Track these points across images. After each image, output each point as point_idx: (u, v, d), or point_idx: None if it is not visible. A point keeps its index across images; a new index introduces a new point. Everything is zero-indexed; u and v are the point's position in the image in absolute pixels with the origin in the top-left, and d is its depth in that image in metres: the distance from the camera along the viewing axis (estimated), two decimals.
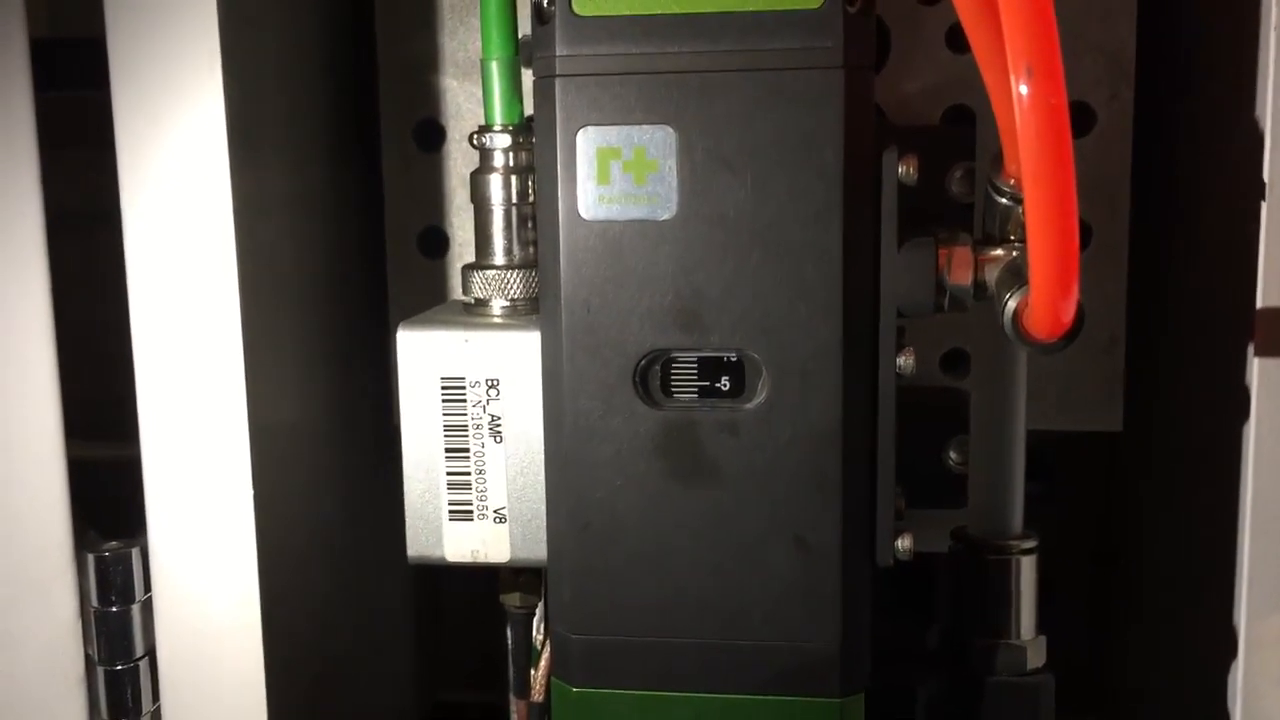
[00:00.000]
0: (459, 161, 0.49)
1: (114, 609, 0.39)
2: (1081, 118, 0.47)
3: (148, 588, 0.39)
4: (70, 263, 0.39)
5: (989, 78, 0.31)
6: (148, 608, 0.39)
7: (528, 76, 0.37)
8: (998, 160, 0.35)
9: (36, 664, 0.39)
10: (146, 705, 0.40)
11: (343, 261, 0.47)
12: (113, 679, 0.39)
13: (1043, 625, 0.42)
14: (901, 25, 0.47)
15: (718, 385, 0.36)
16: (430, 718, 0.60)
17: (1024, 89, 0.27)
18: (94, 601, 0.39)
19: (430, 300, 0.50)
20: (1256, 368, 0.35)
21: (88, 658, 0.40)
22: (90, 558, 0.39)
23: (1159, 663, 0.49)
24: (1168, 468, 0.48)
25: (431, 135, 0.49)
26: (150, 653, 0.40)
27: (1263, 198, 0.34)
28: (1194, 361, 0.44)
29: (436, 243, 0.50)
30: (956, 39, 0.47)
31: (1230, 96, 0.38)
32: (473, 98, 0.48)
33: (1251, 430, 0.35)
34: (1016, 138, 0.28)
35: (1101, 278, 0.47)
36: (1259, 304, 0.35)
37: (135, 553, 0.39)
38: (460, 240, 0.50)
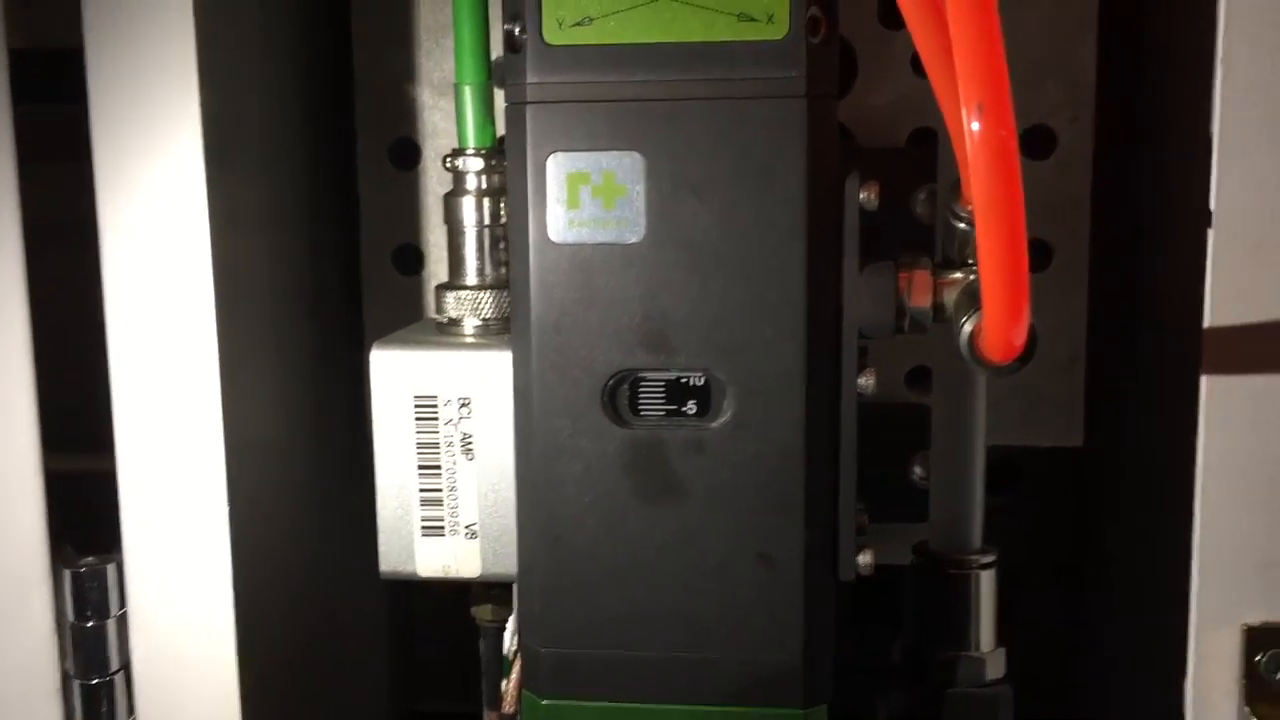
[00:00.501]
0: (434, 180, 0.50)
1: (89, 624, 0.39)
2: (1043, 141, 0.48)
3: (123, 603, 0.40)
4: (47, 275, 0.39)
5: (946, 109, 0.32)
6: (123, 622, 0.40)
7: (501, 96, 0.38)
8: (956, 186, 0.36)
9: (12, 678, 0.40)
10: (122, 719, 0.40)
11: (318, 277, 0.48)
12: (88, 693, 0.40)
13: (1006, 637, 0.43)
14: (867, 48, 0.48)
15: (684, 405, 0.36)
16: None
17: (975, 125, 0.28)
18: (70, 616, 0.40)
19: (405, 316, 0.50)
20: (1205, 385, 0.36)
21: (63, 672, 0.40)
22: (66, 573, 0.39)
23: (1120, 674, 0.50)
24: (1126, 482, 0.49)
25: (407, 153, 0.50)
26: (125, 667, 0.40)
27: (1208, 225, 0.35)
28: (1151, 378, 0.45)
29: (411, 260, 0.51)
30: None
31: (1184, 122, 0.39)
32: (448, 116, 0.49)
33: (1200, 447, 0.36)
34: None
35: (1063, 296, 0.48)
36: (1206, 323, 0.36)
37: (111, 568, 0.40)
38: (435, 257, 0.50)
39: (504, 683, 0.43)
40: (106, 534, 0.40)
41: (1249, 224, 0.35)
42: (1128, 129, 0.47)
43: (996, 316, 0.31)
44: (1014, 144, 0.28)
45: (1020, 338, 0.31)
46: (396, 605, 0.58)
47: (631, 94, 0.35)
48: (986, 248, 0.29)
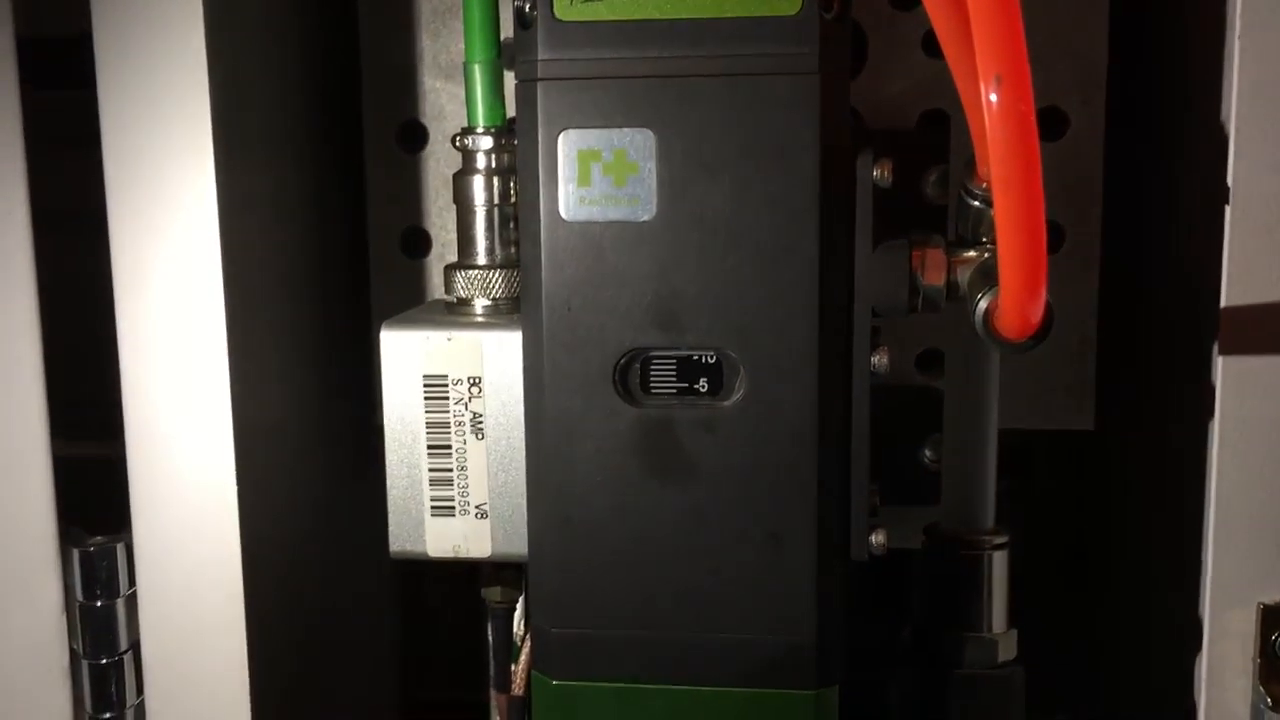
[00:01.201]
0: (441, 162, 0.50)
1: (98, 603, 0.39)
2: (1055, 122, 0.47)
3: (132, 582, 0.39)
4: (56, 261, 0.39)
5: (961, 84, 0.32)
6: (132, 602, 0.39)
7: (510, 78, 0.38)
8: (970, 164, 0.36)
9: (21, 658, 0.40)
10: (130, 699, 0.40)
11: (326, 261, 0.48)
12: (97, 673, 0.40)
13: (1016, 621, 0.43)
14: (878, 30, 0.48)
15: (696, 384, 0.36)
16: (413, 713, 0.60)
17: (994, 97, 0.28)
18: (79, 596, 0.40)
19: (412, 299, 0.50)
20: (1220, 366, 0.36)
21: (72, 652, 0.40)
22: (75, 553, 0.39)
23: (1130, 657, 0.50)
24: (1138, 466, 0.49)
25: (414, 136, 0.50)
26: (134, 647, 0.40)
27: (1226, 201, 0.35)
28: (1164, 361, 0.45)
29: (419, 242, 0.50)
30: (932, 44, 0.47)
31: (1198, 102, 0.39)
32: (455, 99, 0.49)
33: (1216, 427, 0.36)
34: (987, 142, 0.29)
35: (1074, 279, 0.48)
36: (1223, 303, 0.35)
37: (120, 548, 0.39)
38: (442, 240, 0.50)
39: (513, 665, 0.43)
40: (116, 517, 0.40)
41: (1267, 201, 0.35)
42: (1140, 110, 0.47)
43: (1014, 291, 0.30)
44: (1032, 115, 0.28)
45: (1038, 314, 0.31)
46: (407, 589, 0.58)
47: (643, 70, 0.35)
48: (1004, 221, 0.29)
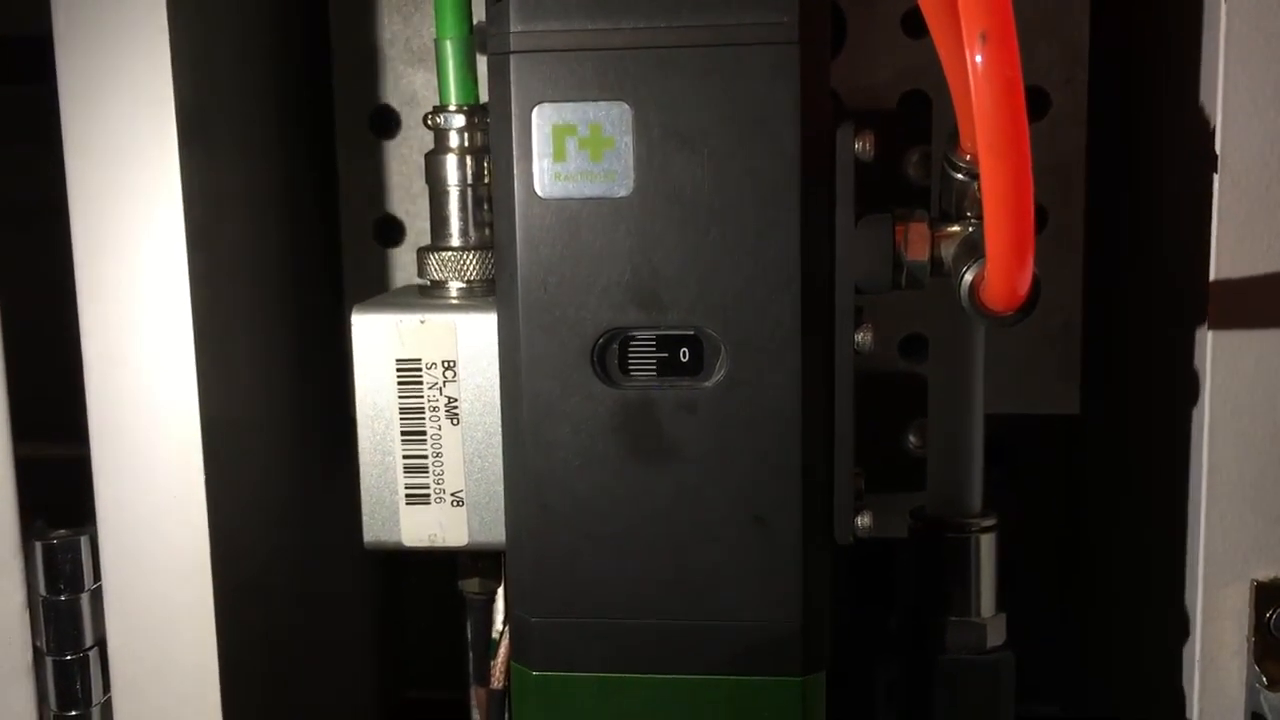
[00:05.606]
0: (415, 148, 0.49)
1: (62, 598, 0.38)
2: (1037, 102, 0.47)
3: (97, 577, 0.38)
4: (16, 258, 0.38)
5: (944, 51, 0.31)
6: (97, 597, 0.38)
7: (483, 64, 0.37)
8: (954, 136, 0.35)
9: None
10: (97, 696, 0.39)
11: (298, 252, 0.47)
12: (62, 669, 0.38)
13: (1005, 609, 0.42)
14: (857, 10, 0.47)
15: (676, 364, 0.35)
16: (394, 714, 0.59)
17: (979, 57, 0.27)
18: (42, 591, 0.38)
19: (387, 289, 0.49)
20: (1210, 340, 0.35)
21: (36, 648, 0.39)
22: (38, 546, 0.38)
23: (1120, 644, 0.49)
24: (1125, 448, 0.48)
25: (387, 122, 0.49)
26: (100, 643, 0.39)
27: (1214, 170, 0.34)
28: (1150, 342, 0.44)
29: (393, 231, 0.50)
30: (912, 24, 0.47)
31: (1183, 77, 0.38)
32: (429, 84, 0.48)
33: (1206, 403, 0.36)
34: (972, 110, 0.28)
35: (1058, 261, 0.48)
36: (1212, 276, 0.35)
37: (84, 541, 0.38)
38: (417, 228, 0.49)
39: (493, 662, 0.42)
40: (80, 514, 0.38)
41: (1256, 167, 0.34)
42: (1124, 88, 0.47)
43: (1001, 260, 0.30)
44: (1018, 76, 0.27)
45: (1025, 283, 0.30)
46: (388, 588, 0.57)
47: (618, 42, 0.34)
48: (991, 186, 0.28)
